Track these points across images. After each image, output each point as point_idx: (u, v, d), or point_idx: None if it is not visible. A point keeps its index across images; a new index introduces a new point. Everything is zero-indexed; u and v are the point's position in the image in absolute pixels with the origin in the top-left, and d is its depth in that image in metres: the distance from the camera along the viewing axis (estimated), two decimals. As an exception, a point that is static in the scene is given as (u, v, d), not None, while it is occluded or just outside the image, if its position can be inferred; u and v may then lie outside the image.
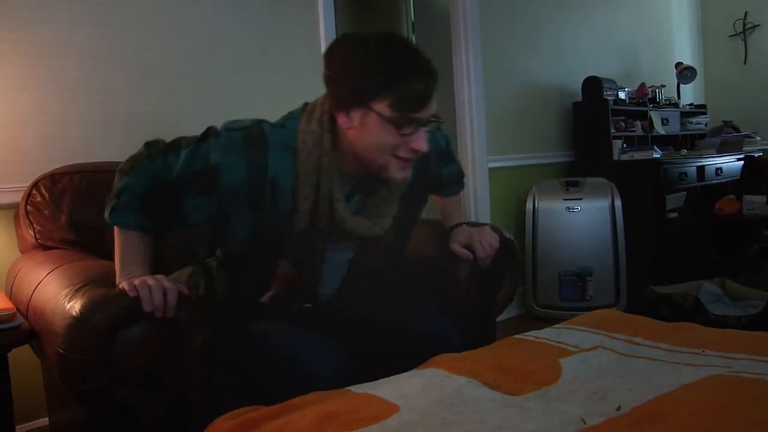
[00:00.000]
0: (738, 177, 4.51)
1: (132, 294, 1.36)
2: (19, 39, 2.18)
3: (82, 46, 2.32)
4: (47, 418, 2.11)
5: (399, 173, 1.45)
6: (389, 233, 1.58)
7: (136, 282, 1.37)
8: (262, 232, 1.49)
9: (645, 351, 1.26)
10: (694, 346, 1.25)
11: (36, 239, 1.94)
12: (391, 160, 1.43)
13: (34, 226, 1.94)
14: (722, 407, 0.93)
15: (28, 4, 2.21)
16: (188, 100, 2.59)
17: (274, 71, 2.82)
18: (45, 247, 1.93)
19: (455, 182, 1.90)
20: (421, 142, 1.41)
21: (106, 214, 1.49)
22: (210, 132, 1.53)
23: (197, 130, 2.59)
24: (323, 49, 2.92)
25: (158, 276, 1.43)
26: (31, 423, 2.18)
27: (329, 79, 1.45)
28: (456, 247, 1.74)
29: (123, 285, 1.39)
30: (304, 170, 1.45)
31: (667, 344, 1.28)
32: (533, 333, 1.43)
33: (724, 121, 5.31)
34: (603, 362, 1.21)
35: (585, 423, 0.94)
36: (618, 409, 0.97)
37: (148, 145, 1.55)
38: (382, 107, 1.37)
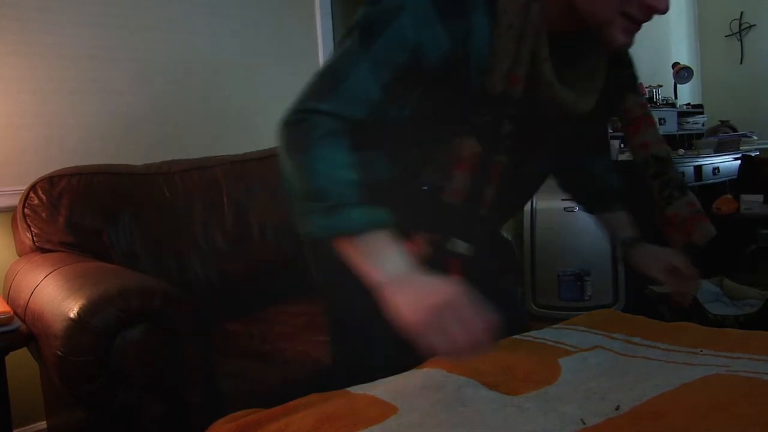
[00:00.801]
0: (735, 176, 4.51)
1: (427, 338, 0.98)
2: (17, 40, 2.18)
3: (80, 48, 2.32)
4: (45, 422, 2.10)
5: (622, 36, 1.14)
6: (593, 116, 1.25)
7: (429, 316, 0.97)
8: (451, 103, 1.18)
9: (643, 351, 1.26)
10: (693, 346, 1.25)
11: (34, 242, 1.93)
12: (616, 16, 1.12)
13: (32, 228, 1.94)
14: (721, 406, 0.93)
15: (27, 5, 2.20)
16: (187, 101, 2.59)
17: (274, 72, 2.81)
18: (43, 250, 1.93)
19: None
20: None
21: (312, 228, 1.06)
22: (365, 23, 1.12)
23: (196, 132, 2.60)
24: (321, 49, 2.94)
25: (453, 295, 1.00)
26: (28, 426, 2.17)
27: None
28: (658, 273, 1.50)
29: (407, 315, 0.99)
30: (506, 21, 1.11)
31: (666, 344, 1.28)
32: (532, 333, 1.42)
33: (721, 121, 5.31)
34: (602, 362, 1.21)
35: (584, 423, 0.93)
36: (617, 408, 0.97)
37: (315, 95, 1.12)
38: None
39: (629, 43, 1.17)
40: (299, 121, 1.11)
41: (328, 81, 1.13)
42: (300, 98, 1.15)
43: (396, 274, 1.03)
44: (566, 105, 1.18)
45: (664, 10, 1.11)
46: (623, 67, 1.36)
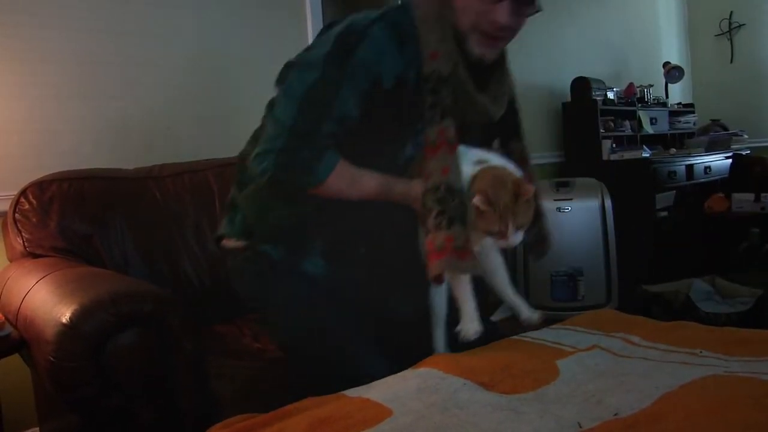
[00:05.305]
0: (726, 175, 4.53)
1: None
2: (7, 45, 2.17)
3: (71, 52, 2.31)
4: (38, 428, 2.09)
5: (479, 48, 1.34)
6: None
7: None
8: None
9: (642, 351, 1.26)
10: (692, 346, 1.24)
11: (25, 247, 1.92)
12: (472, 31, 1.33)
13: (23, 234, 1.93)
14: (719, 408, 0.93)
15: (17, 9, 2.19)
16: (178, 105, 2.58)
17: (264, 74, 2.79)
18: (34, 255, 1.91)
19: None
20: (502, 13, 1.29)
21: (309, 178, 1.33)
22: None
23: (187, 136, 2.60)
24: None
25: None
26: (21, 432, 2.16)
27: None
28: None
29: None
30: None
31: (665, 344, 1.27)
32: (530, 333, 1.42)
33: (712, 120, 5.34)
34: (600, 363, 1.20)
35: (581, 426, 0.93)
36: (615, 415, 0.96)
37: None
38: None
39: (486, 55, 1.35)
40: None
41: None
42: None
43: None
44: (479, 109, 1.39)
45: (505, 24, 1.30)
46: (512, 114, 1.53)
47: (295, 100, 1.33)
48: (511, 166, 1.34)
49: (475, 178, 1.29)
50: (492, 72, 1.44)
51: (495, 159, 1.36)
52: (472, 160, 1.33)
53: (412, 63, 1.33)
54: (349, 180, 1.36)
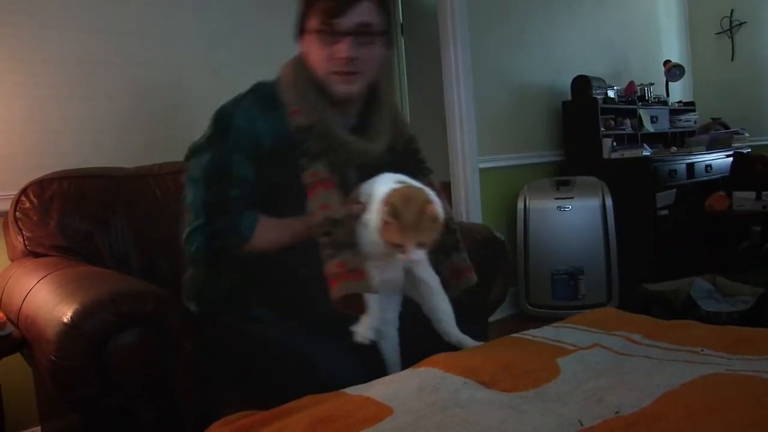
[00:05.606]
0: (727, 173, 4.52)
1: None
2: (7, 45, 2.17)
3: (71, 52, 2.31)
4: (39, 427, 2.09)
5: (339, 86, 1.50)
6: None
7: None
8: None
9: (643, 350, 1.26)
10: (693, 345, 1.24)
11: (26, 246, 1.92)
12: (329, 76, 1.49)
13: (24, 232, 1.93)
14: (721, 407, 0.92)
15: (18, 9, 2.19)
16: (179, 106, 2.58)
17: (262, 74, 2.78)
18: (35, 254, 1.91)
19: None
20: (343, 48, 1.46)
21: (236, 240, 1.47)
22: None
23: (188, 135, 2.59)
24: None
25: None
26: (23, 432, 2.16)
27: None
28: None
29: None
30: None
31: (666, 342, 1.27)
32: (531, 332, 1.42)
33: (713, 118, 5.33)
34: (601, 361, 1.21)
35: (582, 425, 0.93)
36: (616, 413, 0.96)
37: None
38: (311, 23, 1.50)
39: (350, 91, 1.51)
40: None
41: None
42: None
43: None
44: (356, 146, 1.53)
45: (347, 56, 1.45)
46: (411, 153, 1.67)
47: (198, 181, 1.49)
48: (430, 192, 1.39)
49: (389, 193, 1.35)
50: (367, 108, 1.61)
51: (415, 182, 1.42)
52: (393, 180, 1.41)
53: (282, 123, 1.50)
54: (274, 230, 1.50)
